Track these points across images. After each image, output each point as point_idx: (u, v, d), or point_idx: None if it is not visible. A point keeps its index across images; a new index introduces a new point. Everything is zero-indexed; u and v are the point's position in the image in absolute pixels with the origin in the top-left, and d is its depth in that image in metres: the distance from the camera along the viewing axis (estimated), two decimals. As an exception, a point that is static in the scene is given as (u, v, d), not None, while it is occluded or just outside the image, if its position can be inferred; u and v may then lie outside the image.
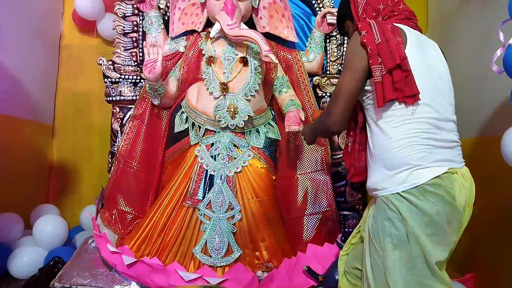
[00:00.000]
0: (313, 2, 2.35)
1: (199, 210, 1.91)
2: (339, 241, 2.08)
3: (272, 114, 2.18)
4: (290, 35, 2.30)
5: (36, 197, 2.85)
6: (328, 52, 2.35)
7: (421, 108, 1.27)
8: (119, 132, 2.23)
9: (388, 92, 1.26)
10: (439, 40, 2.77)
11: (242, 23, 2.06)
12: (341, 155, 2.26)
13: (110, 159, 2.24)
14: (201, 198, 1.92)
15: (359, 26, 1.33)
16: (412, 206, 1.23)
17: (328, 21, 2.24)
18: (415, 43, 1.34)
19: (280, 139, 2.12)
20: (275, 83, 2.21)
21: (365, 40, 1.28)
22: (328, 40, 2.34)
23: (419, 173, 1.24)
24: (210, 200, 1.91)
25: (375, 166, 1.34)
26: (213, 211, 1.90)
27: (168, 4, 2.27)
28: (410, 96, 1.26)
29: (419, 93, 1.26)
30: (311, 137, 1.69)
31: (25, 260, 2.27)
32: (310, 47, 2.30)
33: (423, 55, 1.34)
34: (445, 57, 1.45)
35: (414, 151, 1.25)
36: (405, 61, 1.26)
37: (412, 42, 1.33)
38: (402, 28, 1.35)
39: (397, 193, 1.25)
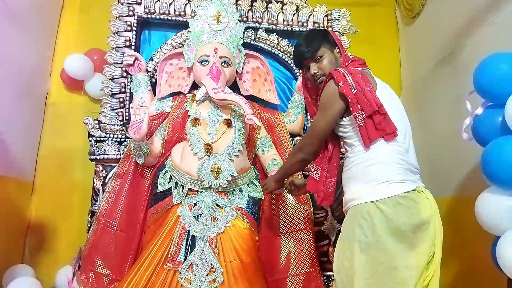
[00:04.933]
0: (294, 67, 2.49)
1: (180, 273, 1.86)
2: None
3: (255, 173, 2.22)
4: (272, 97, 2.41)
5: (11, 256, 2.72)
6: (308, 114, 2.45)
7: (397, 136, 1.48)
8: (100, 190, 2.21)
9: (372, 133, 1.46)
10: (413, 103, 2.96)
11: (226, 87, 2.15)
12: (324, 214, 2.30)
13: (89, 219, 2.21)
14: (183, 260, 1.89)
15: (334, 76, 1.50)
16: (383, 215, 1.39)
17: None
18: (381, 85, 1.57)
19: (263, 198, 2.13)
20: (258, 142, 2.27)
21: (344, 91, 1.47)
22: (308, 103, 2.45)
23: (394, 186, 1.42)
24: (191, 262, 1.87)
25: (354, 180, 1.52)
26: (194, 274, 1.86)
27: (155, 68, 2.37)
28: (390, 133, 1.46)
29: (397, 130, 1.47)
30: (280, 178, 1.83)
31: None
32: (292, 109, 2.40)
33: (387, 94, 1.57)
34: None
35: (392, 168, 1.45)
36: (381, 107, 1.46)
37: (379, 85, 1.56)
38: (369, 73, 1.59)
39: (372, 201, 1.41)
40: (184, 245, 1.91)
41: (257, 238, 2.07)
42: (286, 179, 1.89)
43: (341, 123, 1.55)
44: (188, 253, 1.90)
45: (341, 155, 1.69)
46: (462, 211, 2.14)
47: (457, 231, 2.16)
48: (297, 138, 2.40)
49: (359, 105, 1.46)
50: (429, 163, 2.53)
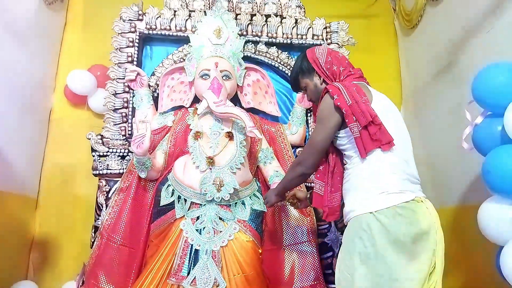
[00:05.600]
0: (294, 80, 2.51)
1: (184, 287, 1.86)
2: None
3: (257, 185, 2.22)
4: (273, 110, 2.43)
5: (15, 272, 2.72)
6: (309, 125, 2.47)
7: (394, 146, 1.48)
8: (104, 205, 2.22)
9: (368, 144, 1.47)
10: (414, 112, 2.97)
11: (227, 100, 2.17)
12: (327, 225, 2.30)
13: (93, 234, 2.21)
14: (186, 274, 1.88)
15: (330, 90, 1.53)
16: (382, 226, 1.38)
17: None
18: (377, 97, 1.58)
19: (266, 210, 2.13)
20: (259, 155, 2.28)
21: (338, 103, 1.49)
22: (309, 114, 2.47)
23: (392, 197, 1.42)
24: (195, 277, 1.86)
25: (352, 192, 1.52)
26: (198, 289, 1.85)
27: (157, 82, 2.40)
28: (386, 143, 1.47)
29: (393, 139, 1.47)
30: (280, 192, 1.84)
31: None
32: (293, 121, 2.42)
33: (385, 105, 1.59)
34: None
35: (390, 178, 1.45)
36: (376, 118, 1.47)
37: (375, 96, 1.57)
38: (364, 85, 1.61)
39: (371, 212, 1.41)
40: (187, 259, 1.91)
41: (260, 251, 2.06)
42: (287, 192, 1.89)
43: (338, 135, 1.57)
44: (192, 267, 1.89)
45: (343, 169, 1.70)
46: (464, 220, 2.13)
47: (460, 241, 2.16)
48: (298, 149, 2.41)
49: (354, 117, 1.48)
50: (431, 173, 2.54)
